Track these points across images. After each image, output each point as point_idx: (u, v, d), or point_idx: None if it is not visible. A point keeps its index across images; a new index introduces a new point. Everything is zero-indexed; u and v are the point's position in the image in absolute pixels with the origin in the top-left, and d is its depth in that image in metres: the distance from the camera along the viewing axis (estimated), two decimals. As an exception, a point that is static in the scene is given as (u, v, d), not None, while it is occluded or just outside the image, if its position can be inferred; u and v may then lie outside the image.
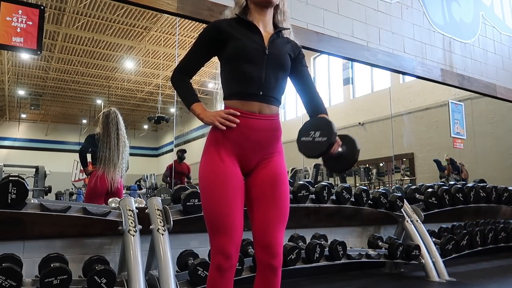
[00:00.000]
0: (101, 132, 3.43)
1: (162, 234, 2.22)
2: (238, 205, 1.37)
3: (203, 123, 1.46)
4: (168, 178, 6.55)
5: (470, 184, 4.03)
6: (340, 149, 1.40)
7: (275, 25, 1.54)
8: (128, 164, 3.64)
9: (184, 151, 6.52)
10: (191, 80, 1.54)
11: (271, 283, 1.38)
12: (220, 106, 1.55)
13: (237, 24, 1.46)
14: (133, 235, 2.17)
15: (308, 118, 1.53)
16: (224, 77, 1.47)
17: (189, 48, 1.52)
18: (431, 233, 3.50)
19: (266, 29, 1.49)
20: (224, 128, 1.38)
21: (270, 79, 1.43)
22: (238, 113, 1.39)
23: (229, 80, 1.46)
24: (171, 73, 1.53)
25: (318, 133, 1.34)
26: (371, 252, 3.10)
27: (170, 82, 1.53)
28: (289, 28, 1.55)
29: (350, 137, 1.44)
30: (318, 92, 1.57)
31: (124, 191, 3.80)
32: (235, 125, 1.38)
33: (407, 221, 3.33)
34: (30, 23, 2.44)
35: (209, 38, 1.47)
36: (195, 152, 6.37)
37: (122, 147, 3.45)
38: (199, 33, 1.51)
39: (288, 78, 1.55)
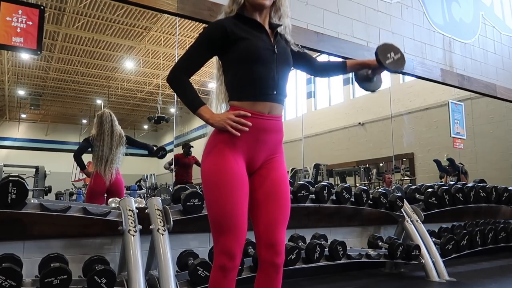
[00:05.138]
0: (96, 132, 3.47)
1: (162, 234, 2.22)
2: (244, 205, 1.37)
3: (203, 123, 1.44)
4: (171, 166, 6.36)
5: (470, 184, 4.02)
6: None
7: (269, 21, 1.53)
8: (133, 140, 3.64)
9: (190, 145, 6.38)
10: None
11: (273, 281, 1.38)
12: (218, 105, 1.52)
13: (241, 23, 1.44)
14: (133, 235, 2.17)
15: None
16: (233, 79, 1.44)
17: (189, 47, 1.46)
18: (431, 233, 3.50)
19: (265, 26, 1.50)
20: (239, 134, 1.35)
21: (281, 77, 1.45)
22: (249, 114, 1.38)
23: (240, 82, 1.42)
24: (169, 72, 1.47)
25: (393, 53, 1.64)
26: (371, 252, 3.10)
27: (168, 81, 1.46)
28: (281, 25, 1.53)
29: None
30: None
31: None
32: (247, 129, 1.36)
33: (407, 221, 3.33)
34: (30, 23, 2.44)
35: (214, 37, 1.43)
36: (195, 152, 6.37)
37: (116, 142, 3.47)
38: (202, 31, 1.48)
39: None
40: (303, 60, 1.66)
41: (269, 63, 1.42)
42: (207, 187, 1.39)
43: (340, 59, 1.74)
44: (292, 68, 1.59)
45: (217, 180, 1.37)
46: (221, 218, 1.34)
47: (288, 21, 1.56)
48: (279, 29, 1.53)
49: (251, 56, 1.40)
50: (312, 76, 12.24)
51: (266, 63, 1.41)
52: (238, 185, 1.36)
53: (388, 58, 1.63)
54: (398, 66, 1.65)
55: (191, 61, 1.46)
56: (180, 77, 1.45)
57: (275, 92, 1.41)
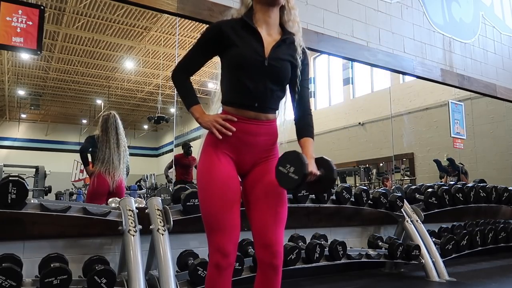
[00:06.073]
0: (100, 135, 3.45)
1: (162, 234, 2.22)
2: (234, 204, 1.38)
3: None
4: (170, 171, 6.30)
5: (470, 184, 4.02)
6: (318, 173, 1.37)
7: (282, 25, 1.48)
8: (128, 169, 3.65)
9: (189, 145, 6.34)
10: (191, 78, 1.54)
11: (272, 281, 1.39)
12: (215, 106, 1.56)
13: (241, 28, 1.42)
14: (133, 235, 2.17)
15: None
16: (223, 82, 1.48)
17: (191, 46, 1.51)
18: (431, 233, 3.50)
19: (270, 31, 1.44)
20: (221, 137, 1.39)
21: (267, 91, 1.40)
22: (235, 119, 1.40)
23: (226, 87, 1.46)
24: (172, 69, 1.53)
25: (292, 169, 1.31)
26: (371, 252, 3.10)
27: (171, 79, 1.54)
28: (294, 34, 1.47)
29: (326, 159, 1.41)
30: (310, 107, 1.52)
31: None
32: (230, 133, 1.39)
33: (407, 221, 3.33)
34: (30, 23, 2.44)
35: (210, 38, 1.45)
36: (195, 152, 6.36)
37: (123, 152, 3.47)
38: (202, 32, 1.50)
39: None
40: (294, 80, 1.48)
41: (256, 74, 1.38)
42: (198, 188, 1.43)
43: (306, 133, 1.47)
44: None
45: (205, 179, 1.40)
46: (211, 217, 1.37)
47: (296, 23, 1.49)
48: (289, 38, 1.47)
49: (237, 64, 1.39)
50: (312, 76, 12.28)
51: (252, 74, 1.38)
52: (226, 184, 1.38)
53: (284, 166, 1.32)
54: (284, 183, 1.32)
55: (191, 60, 1.52)
56: (180, 75, 1.52)
57: (256, 105, 1.40)
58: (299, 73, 1.47)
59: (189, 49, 1.51)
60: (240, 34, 1.41)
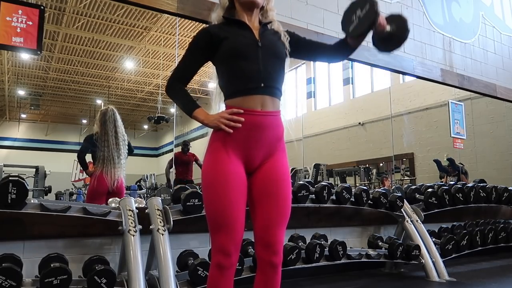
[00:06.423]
0: (99, 131, 3.40)
1: (162, 234, 2.22)
2: (240, 204, 1.38)
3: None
4: (171, 170, 6.34)
5: (470, 184, 4.02)
6: (388, 28, 1.41)
7: (260, 23, 1.56)
8: (131, 147, 3.60)
9: (187, 143, 6.39)
10: (187, 86, 1.55)
11: (271, 280, 1.39)
12: (215, 106, 1.56)
13: (226, 26, 1.49)
14: (133, 235, 2.17)
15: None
16: (222, 78, 1.49)
17: (182, 56, 1.53)
18: (431, 233, 3.50)
19: (254, 25, 1.52)
20: (231, 131, 1.38)
21: (268, 70, 1.44)
22: (241, 111, 1.40)
23: (228, 79, 1.46)
24: (167, 82, 1.54)
25: (359, 10, 1.33)
26: (371, 252, 3.10)
27: (165, 91, 1.54)
28: (271, 22, 1.55)
29: (398, 14, 1.46)
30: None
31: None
32: (240, 125, 1.38)
33: (407, 221, 3.33)
34: (30, 23, 2.44)
35: (201, 43, 1.48)
36: (195, 152, 6.37)
37: (122, 146, 3.43)
38: (190, 40, 1.52)
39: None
40: (307, 47, 1.60)
41: (253, 56, 1.43)
42: (203, 186, 1.42)
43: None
44: (293, 59, 1.59)
45: (211, 179, 1.39)
46: (215, 216, 1.36)
47: (274, 22, 1.57)
48: (268, 26, 1.55)
49: (233, 52, 1.43)
50: (312, 77, 12.27)
51: (250, 57, 1.42)
52: (232, 184, 1.37)
53: (351, 22, 1.34)
54: (362, 28, 1.35)
55: (184, 69, 1.53)
56: (175, 85, 1.52)
57: (262, 85, 1.42)
58: (298, 39, 1.58)
59: (180, 59, 1.53)
60: (227, 29, 1.47)
